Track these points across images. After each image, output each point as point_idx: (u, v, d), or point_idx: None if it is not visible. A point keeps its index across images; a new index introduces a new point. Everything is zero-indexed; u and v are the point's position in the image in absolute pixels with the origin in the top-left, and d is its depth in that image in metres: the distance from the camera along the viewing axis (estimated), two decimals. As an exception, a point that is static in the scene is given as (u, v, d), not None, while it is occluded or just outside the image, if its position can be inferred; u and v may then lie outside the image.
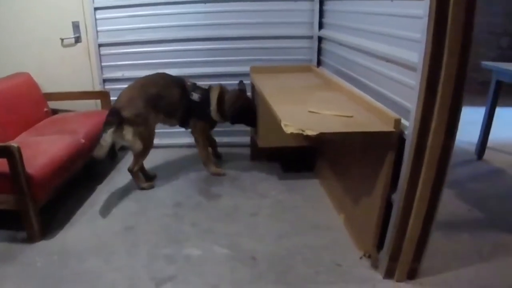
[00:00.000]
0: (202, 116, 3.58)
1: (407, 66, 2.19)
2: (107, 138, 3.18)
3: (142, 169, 3.62)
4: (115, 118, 3.24)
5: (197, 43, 4.20)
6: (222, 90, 3.62)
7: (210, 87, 3.61)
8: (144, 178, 3.60)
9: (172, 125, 3.68)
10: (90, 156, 3.24)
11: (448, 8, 1.79)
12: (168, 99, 3.44)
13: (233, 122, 3.71)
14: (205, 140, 3.72)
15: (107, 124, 3.22)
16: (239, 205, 3.26)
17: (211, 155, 3.89)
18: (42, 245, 2.75)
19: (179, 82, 3.53)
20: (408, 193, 2.14)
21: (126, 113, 3.25)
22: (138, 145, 3.35)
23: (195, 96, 3.51)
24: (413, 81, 2.05)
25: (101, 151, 3.17)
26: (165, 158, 4.14)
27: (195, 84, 3.58)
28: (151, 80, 3.47)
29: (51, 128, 3.66)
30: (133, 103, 3.29)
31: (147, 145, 3.41)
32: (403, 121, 2.18)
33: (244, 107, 3.63)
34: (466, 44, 1.83)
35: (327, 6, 3.96)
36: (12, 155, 2.55)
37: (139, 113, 3.29)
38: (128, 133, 3.29)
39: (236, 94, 3.64)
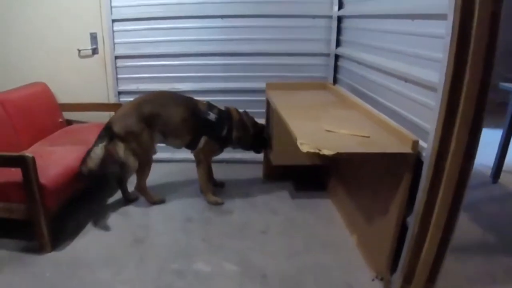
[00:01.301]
0: (215, 137, 3.44)
1: (427, 86, 2.17)
2: (97, 151, 3.09)
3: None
4: (107, 132, 3.18)
5: (213, 58, 4.22)
6: (241, 113, 3.55)
7: (228, 108, 3.52)
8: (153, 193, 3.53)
9: (176, 146, 3.50)
10: (81, 173, 3.04)
11: (471, 27, 1.77)
12: (167, 119, 3.29)
13: (255, 149, 3.75)
14: (208, 164, 3.57)
15: (99, 138, 3.16)
16: (250, 221, 3.22)
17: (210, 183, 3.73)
18: (52, 256, 2.74)
19: (187, 103, 3.39)
20: (424, 216, 2.10)
21: (116, 129, 3.17)
22: (132, 162, 3.25)
23: (212, 116, 3.37)
24: (433, 102, 2.02)
25: (92, 163, 3.05)
26: (177, 172, 4.12)
27: (210, 104, 3.46)
28: (152, 98, 3.35)
29: (65, 138, 3.69)
30: (125, 120, 3.20)
31: (143, 163, 3.30)
32: (420, 142, 2.16)
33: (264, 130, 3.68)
34: (489, 65, 1.81)
35: (345, 24, 3.95)
36: (26, 165, 2.56)
37: (130, 130, 3.18)
38: (120, 149, 3.19)
39: (252, 119, 3.61)
